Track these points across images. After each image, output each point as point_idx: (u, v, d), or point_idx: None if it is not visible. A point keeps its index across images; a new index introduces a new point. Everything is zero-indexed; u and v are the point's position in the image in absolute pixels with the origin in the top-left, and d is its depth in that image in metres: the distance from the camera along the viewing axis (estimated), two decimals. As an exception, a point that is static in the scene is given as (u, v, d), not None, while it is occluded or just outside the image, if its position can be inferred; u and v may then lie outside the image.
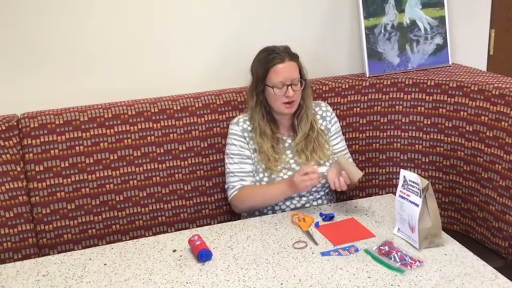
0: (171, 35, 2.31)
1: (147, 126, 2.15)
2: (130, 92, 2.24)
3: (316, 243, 1.75)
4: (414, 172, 1.72)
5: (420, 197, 1.65)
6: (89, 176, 2.09)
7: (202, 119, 2.21)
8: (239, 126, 2.07)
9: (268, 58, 1.99)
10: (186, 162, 2.20)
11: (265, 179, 2.02)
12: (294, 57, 2.02)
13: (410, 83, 2.36)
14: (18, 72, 2.15)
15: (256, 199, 2.02)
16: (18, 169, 2.02)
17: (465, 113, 2.20)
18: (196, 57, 2.37)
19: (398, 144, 2.39)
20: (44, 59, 2.17)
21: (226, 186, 2.09)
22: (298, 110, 2.06)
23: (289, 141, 2.09)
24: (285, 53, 1.99)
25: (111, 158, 2.11)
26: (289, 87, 1.97)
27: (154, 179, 2.17)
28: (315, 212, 1.97)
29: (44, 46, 2.15)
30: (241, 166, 2.04)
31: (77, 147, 2.07)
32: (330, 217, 1.90)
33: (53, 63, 2.18)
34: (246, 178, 2.04)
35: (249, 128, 2.07)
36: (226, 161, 2.07)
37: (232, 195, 2.06)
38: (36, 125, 2.03)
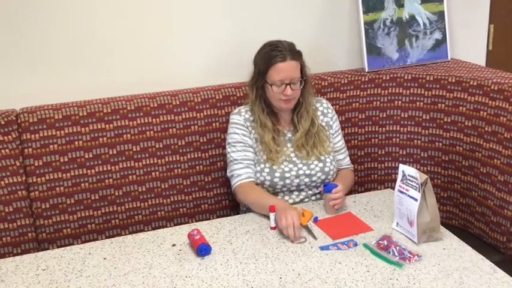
0: (171, 30, 2.31)
1: (146, 121, 2.15)
2: (130, 87, 2.24)
3: (315, 238, 1.76)
4: (413, 167, 1.72)
5: (419, 191, 1.66)
6: (88, 171, 2.09)
7: (202, 114, 2.21)
8: (241, 116, 2.06)
9: (271, 55, 1.96)
10: (185, 157, 2.20)
11: (266, 170, 2.01)
12: (297, 56, 1.99)
13: (410, 78, 2.36)
14: (18, 67, 2.15)
15: (255, 203, 1.95)
16: (18, 164, 2.01)
17: (464, 108, 2.21)
18: (196, 52, 2.36)
19: (397, 139, 2.39)
20: (43, 53, 2.16)
21: (229, 174, 2.05)
22: (298, 107, 2.06)
23: (289, 135, 2.09)
24: (287, 51, 1.96)
25: (110, 152, 2.11)
26: (288, 86, 1.95)
27: (153, 173, 2.17)
28: (313, 206, 1.97)
29: (43, 41, 2.15)
30: (245, 154, 2.02)
31: (76, 142, 2.07)
32: (332, 187, 1.90)
33: (52, 58, 2.18)
34: (251, 166, 2.02)
35: (251, 118, 2.06)
36: (229, 149, 2.05)
37: (238, 184, 2.00)
38: (35, 119, 2.03)
